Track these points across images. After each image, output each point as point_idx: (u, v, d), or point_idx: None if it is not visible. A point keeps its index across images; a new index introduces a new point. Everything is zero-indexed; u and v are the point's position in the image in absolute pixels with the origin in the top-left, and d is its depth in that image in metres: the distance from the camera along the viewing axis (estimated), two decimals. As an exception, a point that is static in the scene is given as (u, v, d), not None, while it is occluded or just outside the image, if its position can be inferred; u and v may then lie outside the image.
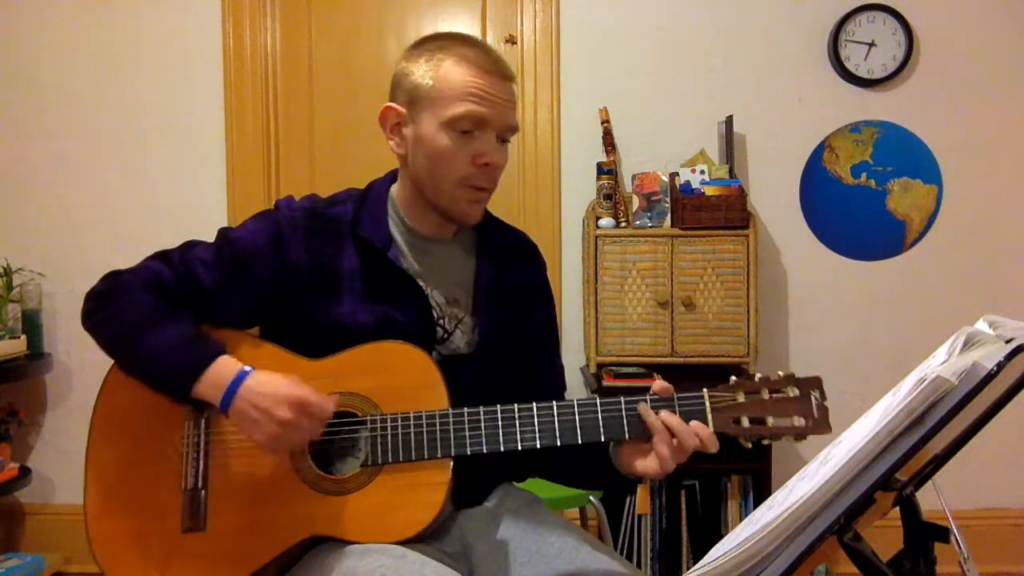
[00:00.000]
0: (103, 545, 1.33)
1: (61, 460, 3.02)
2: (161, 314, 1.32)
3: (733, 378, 1.29)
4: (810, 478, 0.97)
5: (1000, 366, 0.87)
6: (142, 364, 1.32)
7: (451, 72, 1.35)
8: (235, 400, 1.26)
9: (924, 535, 1.03)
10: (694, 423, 1.25)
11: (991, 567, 2.85)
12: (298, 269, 1.38)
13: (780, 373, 1.29)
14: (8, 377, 2.84)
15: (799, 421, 1.26)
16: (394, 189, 1.47)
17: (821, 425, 1.26)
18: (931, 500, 1.12)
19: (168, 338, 1.30)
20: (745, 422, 1.26)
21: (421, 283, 1.42)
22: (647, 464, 1.28)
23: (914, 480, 1.08)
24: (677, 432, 1.25)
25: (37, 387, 3.05)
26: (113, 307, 1.34)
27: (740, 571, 0.93)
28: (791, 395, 1.27)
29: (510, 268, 1.50)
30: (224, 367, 1.28)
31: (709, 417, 1.26)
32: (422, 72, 1.36)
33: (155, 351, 1.30)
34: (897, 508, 1.06)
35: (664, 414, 1.26)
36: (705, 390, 1.28)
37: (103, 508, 1.35)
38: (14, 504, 3.05)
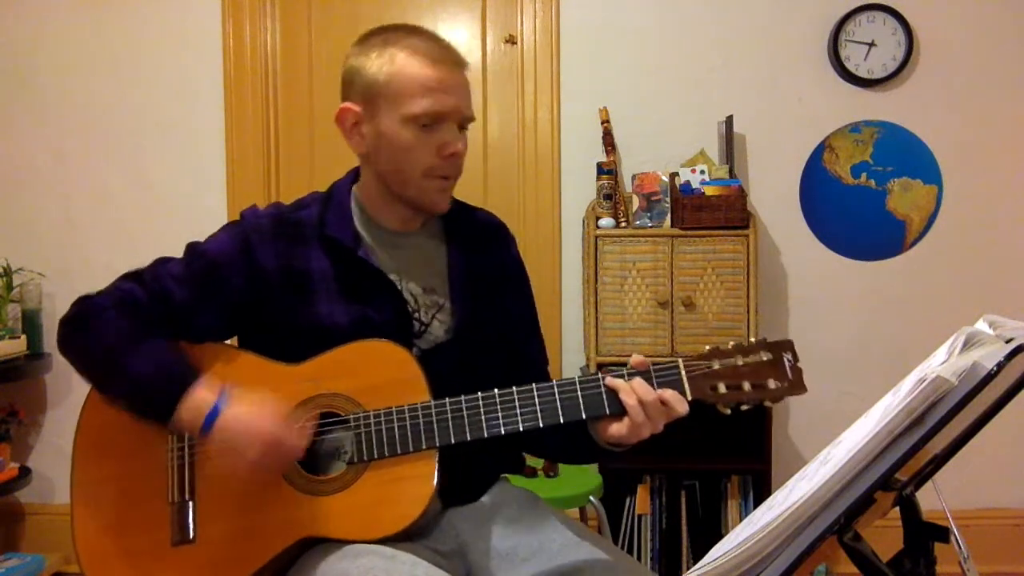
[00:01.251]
0: (93, 566, 1.33)
1: (61, 460, 3.01)
2: (133, 340, 1.31)
3: (707, 347, 1.31)
4: (810, 478, 0.97)
5: (1000, 366, 0.87)
6: (118, 395, 1.32)
7: (406, 67, 1.35)
8: (212, 432, 1.26)
9: (924, 535, 1.03)
10: (661, 389, 1.26)
11: (991, 567, 2.85)
12: (268, 275, 1.38)
13: (752, 339, 1.31)
14: (8, 377, 2.84)
15: (774, 383, 1.28)
16: (356, 188, 1.48)
17: (796, 386, 1.29)
18: (931, 500, 1.12)
19: (140, 370, 1.29)
20: (722, 388, 1.28)
21: (394, 277, 1.42)
22: (620, 427, 1.28)
23: (914, 480, 1.08)
24: (640, 393, 1.25)
25: (37, 387, 3.05)
26: (85, 335, 1.33)
27: (740, 571, 0.93)
28: (764, 359, 1.30)
29: (481, 252, 1.51)
30: (200, 398, 1.27)
31: (685, 385, 1.28)
32: (375, 68, 1.37)
33: (129, 385, 1.30)
34: (897, 508, 1.06)
35: (634, 380, 1.27)
36: (679, 359, 1.29)
37: (91, 528, 1.34)
38: (14, 504, 3.05)
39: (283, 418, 1.26)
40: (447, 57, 1.36)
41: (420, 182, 1.38)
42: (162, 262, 1.41)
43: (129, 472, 1.35)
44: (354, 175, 1.50)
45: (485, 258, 1.51)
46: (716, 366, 1.29)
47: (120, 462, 1.35)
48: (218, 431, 1.26)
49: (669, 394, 1.26)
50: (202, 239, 1.43)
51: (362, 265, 1.40)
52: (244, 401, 1.27)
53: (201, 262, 1.38)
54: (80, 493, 1.36)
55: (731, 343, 1.31)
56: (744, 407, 1.29)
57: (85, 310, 1.35)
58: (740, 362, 1.29)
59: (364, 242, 1.43)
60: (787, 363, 1.30)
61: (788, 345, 1.31)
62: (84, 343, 1.33)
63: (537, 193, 2.99)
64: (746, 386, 1.28)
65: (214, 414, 1.26)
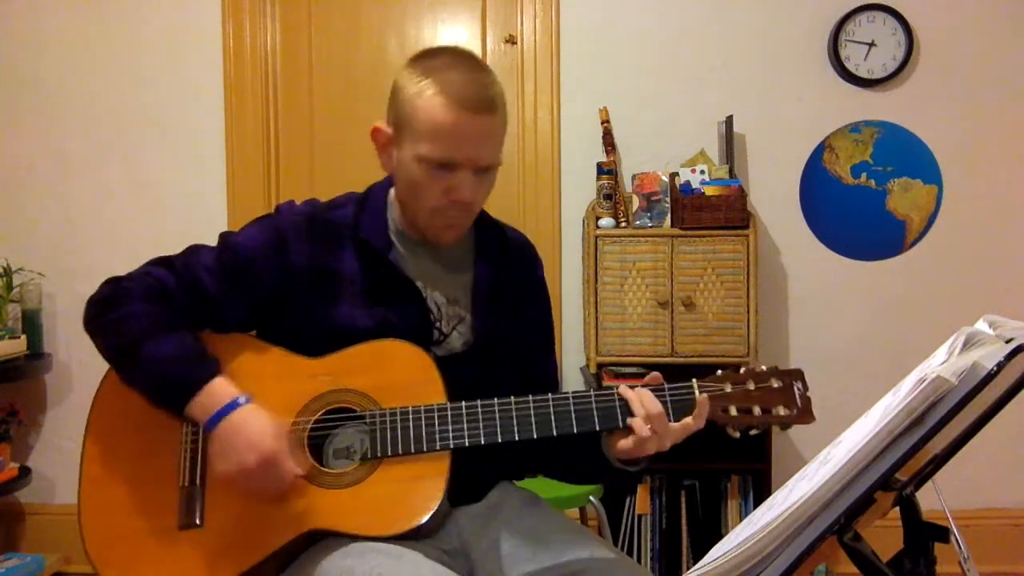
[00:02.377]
0: (97, 545, 1.33)
1: (61, 460, 3.01)
2: (160, 326, 1.32)
3: (719, 371, 1.34)
4: (810, 478, 0.97)
5: (1000, 366, 0.87)
6: (138, 378, 1.33)
7: (429, 106, 1.32)
8: (217, 427, 1.27)
9: (924, 535, 1.03)
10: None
11: (991, 567, 2.85)
12: (299, 273, 1.38)
13: (764, 366, 1.34)
14: (8, 377, 2.84)
15: (783, 410, 1.31)
16: (392, 193, 1.48)
17: (804, 414, 1.31)
18: (931, 500, 1.12)
19: (165, 355, 1.30)
20: (733, 411, 1.31)
21: (420, 285, 1.42)
22: (627, 441, 1.30)
23: (914, 480, 1.09)
24: (646, 404, 1.28)
25: (37, 387, 3.04)
26: (113, 316, 1.34)
27: (740, 571, 0.93)
28: (775, 386, 1.32)
29: (508, 269, 1.51)
30: (217, 392, 1.29)
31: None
32: (408, 97, 1.35)
33: (151, 368, 1.31)
34: (897, 508, 1.06)
35: (642, 392, 1.29)
36: (694, 380, 1.31)
37: (97, 508, 1.35)
38: (14, 504, 3.05)
39: (288, 446, 1.27)
40: (475, 103, 1.32)
41: (427, 217, 1.39)
42: (194, 250, 1.41)
43: (140, 454, 1.35)
44: (391, 179, 1.49)
45: (510, 276, 1.51)
46: (729, 388, 1.32)
47: (132, 444, 1.36)
48: (224, 427, 1.26)
49: (702, 400, 1.29)
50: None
51: (391, 270, 1.41)
52: (262, 412, 1.28)
53: (232, 254, 1.39)
54: (88, 471, 1.36)
55: (742, 368, 1.34)
56: (753, 431, 1.31)
57: (115, 292, 1.36)
58: (751, 387, 1.32)
59: (395, 247, 1.43)
60: (797, 391, 1.32)
61: (798, 374, 1.34)
62: (112, 324, 1.34)
63: (537, 193, 2.99)
64: (756, 410, 1.31)
65: (227, 411, 1.27)
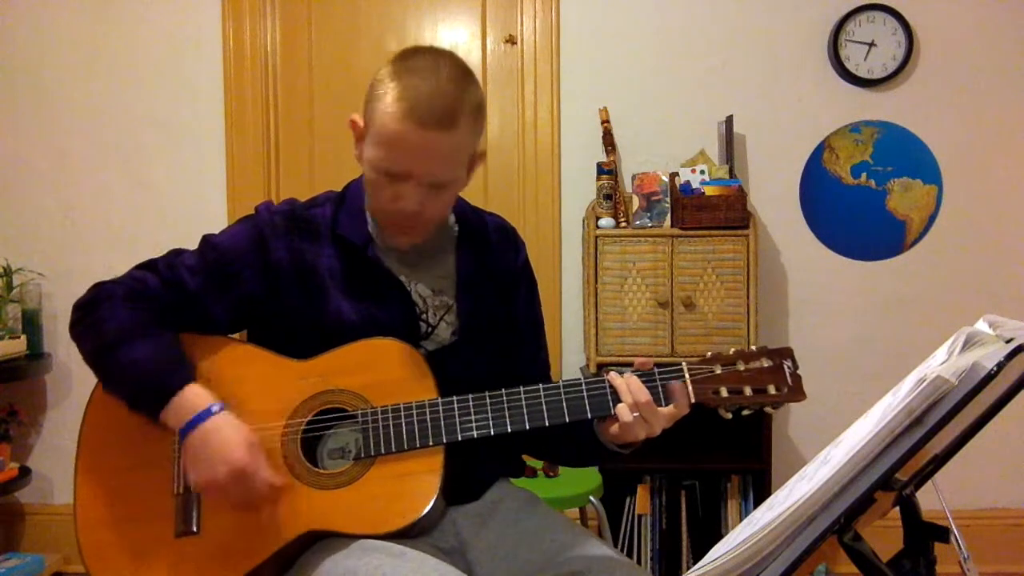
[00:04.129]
0: (94, 555, 1.34)
1: (61, 460, 3.01)
2: (139, 330, 1.33)
3: (709, 353, 1.34)
4: (810, 478, 0.97)
5: (1000, 366, 0.87)
6: (116, 382, 1.34)
7: (383, 111, 1.29)
8: (190, 436, 1.27)
9: (924, 535, 1.03)
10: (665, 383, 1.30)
11: (991, 567, 2.85)
12: (280, 270, 1.39)
13: (753, 347, 1.34)
14: (8, 377, 2.84)
15: (774, 390, 1.31)
16: None
17: (796, 392, 1.31)
18: (931, 500, 1.12)
19: (140, 359, 1.31)
20: (724, 392, 1.31)
21: (403, 278, 1.43)
22: (615, 427, 1.30)
23: (914, 480, 1.09)
24: (633, 391, 1.28)
25: (37, 387, 3.05)
26: (94, 318, 1.35)
27: (740, 571, 0.93)
28: (765, 365, 1.32)
29: (490, 255, 1.51)
30: (190, 400, 1.28)
31: (689, 388, 1.30)
32: (376, 96, 1.32)
33: (128, 372, 1.31)
34: (897, 508, 1.07)
35: (629, 378, 1.30)
36: (683, 362, 1.32)
37: (94, 518, 1.35)
38: (14, 504, 3.05)
39: (261, 455, 1.28)
40: (428, 116, 1.26)
41: (381, 218, 1.40)
42: (176, 253, 1.42)
43: (133, 464, 1.36)
44: None
45: (493, 261, 1.51)
46: (718, 370, 1.31)
47: (125, 454, 1.36)
48: (196, 436, 1.26)
49: (675, 387, 1.29)
50: (216, 231, 1.44)
51: (372, 265, 1.41)
52: (233, 421, 1.28)
53: (214, 254, 1.40)
54: (84, 483, 1.37)
55: (732, 349, 1.34)
56: (745, 412, 1.31)
57: (98, 295, 1.37)
58: (741, 368, 1.32)
59: (375, 243, 1.43)
60: (787, 370, 1.32)
61: (788, 352, 1.33)
62: (92, 327, 1.35)
63: (537, 193, 2.99)
64: (747, 391, 1.31)
65: (200, 419, 1.27)
